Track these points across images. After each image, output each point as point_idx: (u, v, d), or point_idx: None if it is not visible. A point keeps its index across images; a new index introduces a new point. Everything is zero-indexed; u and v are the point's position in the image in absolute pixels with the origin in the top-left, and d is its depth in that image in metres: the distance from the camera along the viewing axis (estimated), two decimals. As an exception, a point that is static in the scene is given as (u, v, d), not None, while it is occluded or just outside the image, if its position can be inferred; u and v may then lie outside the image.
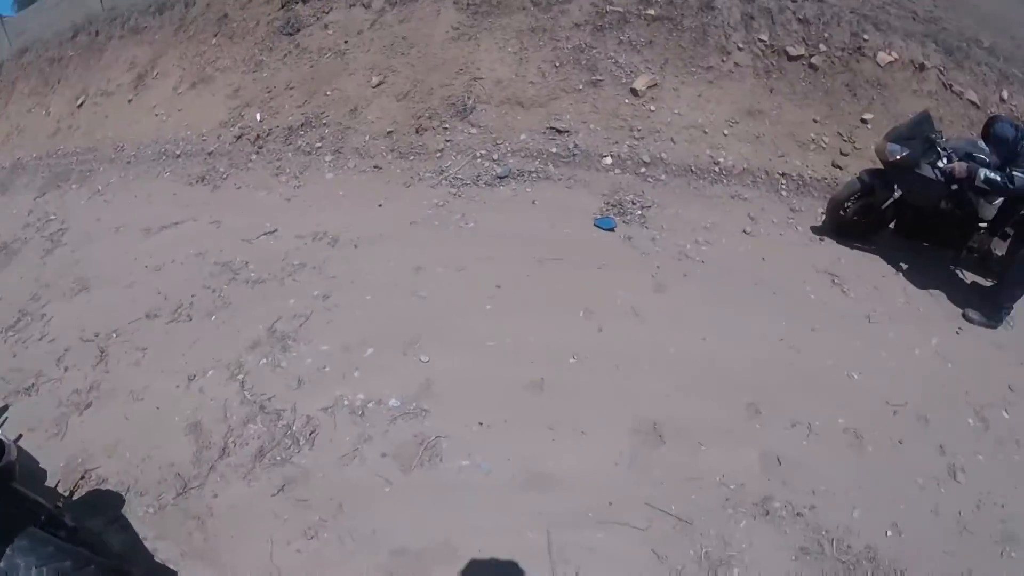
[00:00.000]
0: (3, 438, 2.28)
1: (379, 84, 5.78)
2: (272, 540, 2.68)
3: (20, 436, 2.85)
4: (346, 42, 6.18)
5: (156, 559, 2.68)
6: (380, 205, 4.61)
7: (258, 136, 5.70)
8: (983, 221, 4.65)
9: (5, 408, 2.92)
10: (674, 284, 3.98)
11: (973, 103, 6.49)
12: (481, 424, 3.07)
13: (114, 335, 3.78)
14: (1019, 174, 4.01)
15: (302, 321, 3.64)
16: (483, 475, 2.89)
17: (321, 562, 2.62)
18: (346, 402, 3.16)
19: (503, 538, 2.67)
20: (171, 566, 2.66)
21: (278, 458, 2.96)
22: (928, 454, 3.44)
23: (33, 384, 3.54)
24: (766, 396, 3.42)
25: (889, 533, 3.00)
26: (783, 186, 5.28)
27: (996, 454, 3.57)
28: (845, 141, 5.80)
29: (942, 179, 4.35)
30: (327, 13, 6.34)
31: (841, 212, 4.73)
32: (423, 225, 4.33)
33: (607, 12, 5.97)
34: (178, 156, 5.92)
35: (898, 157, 4.35)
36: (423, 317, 3.60)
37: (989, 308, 4.54)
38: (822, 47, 6.17)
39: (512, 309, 3.63)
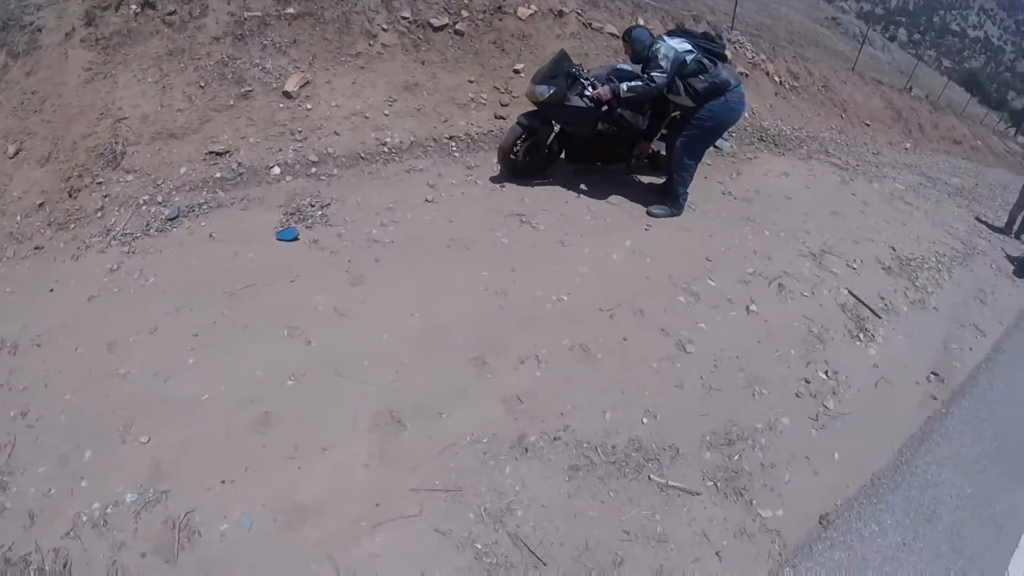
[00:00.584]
0: None
1: (16, 153, 4.88)
2: None
3: None
4: (-30, 113, 5.10)
5: None
6: (51, 290, 3.95)
7: None
8: (641, 130, 5.11)
9: None
10: (369, 272, 3.92)
11: (613, 35, 7.16)
12: (223, 482, 2.82)
13: None
14: (656, 74, 4.40)
15: (9, 450, 3.05)
16: (246, 532, 2.66)
17: None
18: (84, 518, 2.72)
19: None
20: None
21: (43, 607, 2.50)
22: (653, 340, 3.72)
23: None
24: (488, 345, 3.50)
25: (645, 420, 3.19)
26: (454, 148, 5.42)
27: (714, 317, 3.99)
28: (503, 93, 6.09)
29: (591, 105, 4.70)
30: (-55, 82, 5.16)
31: (512, 157, 4.96)
32: (102, 297, 3.80)
33: (245, 19, 5.56)
34: None
35: (547, 96, 4.62)
36: (130, 396, 3.20)
37: (669, 200, 5.07)
38: (464, 13, 6.36)
39: (216, 354, 3.35)
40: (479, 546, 2.60)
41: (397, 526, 2.66)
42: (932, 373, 4.06)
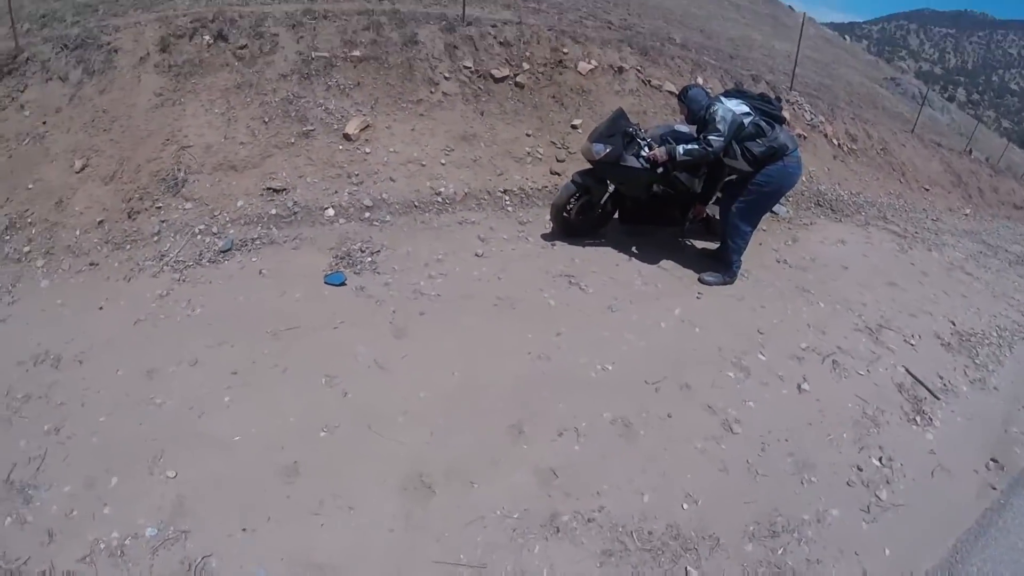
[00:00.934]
0: None
1: (83, 168, 5.10)
2: None
3: None
4: (44, 123, 5.39)
5: None
6: (101, 308, 4.07)
7: (-41, 251, 4.75)
8: (696, 193, 5.06)
9: None
10: (413, 326, 3.95)
11: (672, 92, 7.22)
12: (245, 530, 2.81)
13: None
14: (713, 137, 4.35)
15: (39, 464, 3.12)
16: None
17: None
18: (102, 545, 2.75)
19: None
20: None
21: (51, 633, 2.52)
22: (699, 418, 3.58)
23: None
24: (526, 413, 3.44)
25: (685, 506, 3.04)
26: (508, 202, 5.46)
27: (764, 395, 3.84)
28: (559, 148, 6.17)
29: (647, 166, 4.68)
30: (23, 91, 5.44)
31: (565, 215, 4.97)
32: (149, 322, 3.91)
33: (313, 59, 5.79)
34: None
35: (603, 155, 4.63)
36: (162, 427, 3.24)
37: (722, 267, 4.98)
38: (525, 66, 6.50)
39: (252, 395, 3.39)
40: (498, 631, 2.52)
41: (416, 600, 2.59)
42: (991, 460, 3.82)
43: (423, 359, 3.70)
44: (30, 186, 4.93)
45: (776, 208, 6.57)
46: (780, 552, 2.94)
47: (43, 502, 2.95)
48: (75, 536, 2.79)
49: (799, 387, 4.01)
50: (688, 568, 2.80)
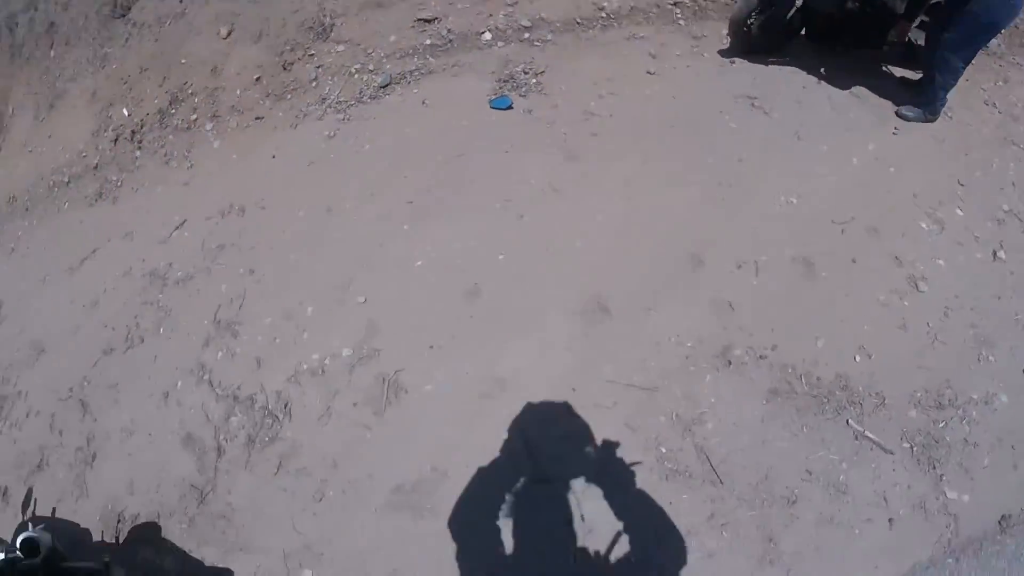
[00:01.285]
0: (34, 534, 2.17)
1: (229, 34, 5.32)
2: (290, 513, 2.81)
3: (54, 510, 3.01)
4: (180, 1, 5.61)
5: (207, 564, 2.79)
6: (274, 156, 4.35)
7: (133, 132, 5.25)
8: (896, 14, 4.42)
9: (30, 493, 2.94)
10: (585, 148, 3.88)
11: None
12: (432, 347, 3.08)
13: (85, 383, 3.59)
14: None
15: (240, 303, 3.55)
16: (448, 395, 2.94)
17: (335, 517, 2.78)
18: (305, 366, 3.16)
19: (482, 450, 2.76)
20: (222, 565, 2.77)
21: (266, 439, 3.02)
22: (885, 268, 3.43)
23: (42, 459, 3.41)
24: (705, 242, 3.41)
25: (858, 358, 3.05)
26: (679, 15, 5.05)
27: (956, 256, 3.56)
28: (734, -50, 5.53)
29: None
30: (148, -20, 5.68)
31: (745, 29, 4.49)
32: (321, 162, 4.13)
33: None
34: (68, 183, 5.42)
35: None
36: (347, 258, 3.53)
37: (923, 101, 4.39)
38: None
39: (430, 221, 3.55)
40: (664, 450, 2.71)
41: (589, 414, 2.79)
42: None
43: (598, 182, 3.66)
44: (183, 61, 5.20)
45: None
46: (941, 426, 2.92)
47: (248, 335, 3.37)
48: (280, 361, 3.20)
49: (994, 254, 3.60)
50: (850, 421, 2.87)
